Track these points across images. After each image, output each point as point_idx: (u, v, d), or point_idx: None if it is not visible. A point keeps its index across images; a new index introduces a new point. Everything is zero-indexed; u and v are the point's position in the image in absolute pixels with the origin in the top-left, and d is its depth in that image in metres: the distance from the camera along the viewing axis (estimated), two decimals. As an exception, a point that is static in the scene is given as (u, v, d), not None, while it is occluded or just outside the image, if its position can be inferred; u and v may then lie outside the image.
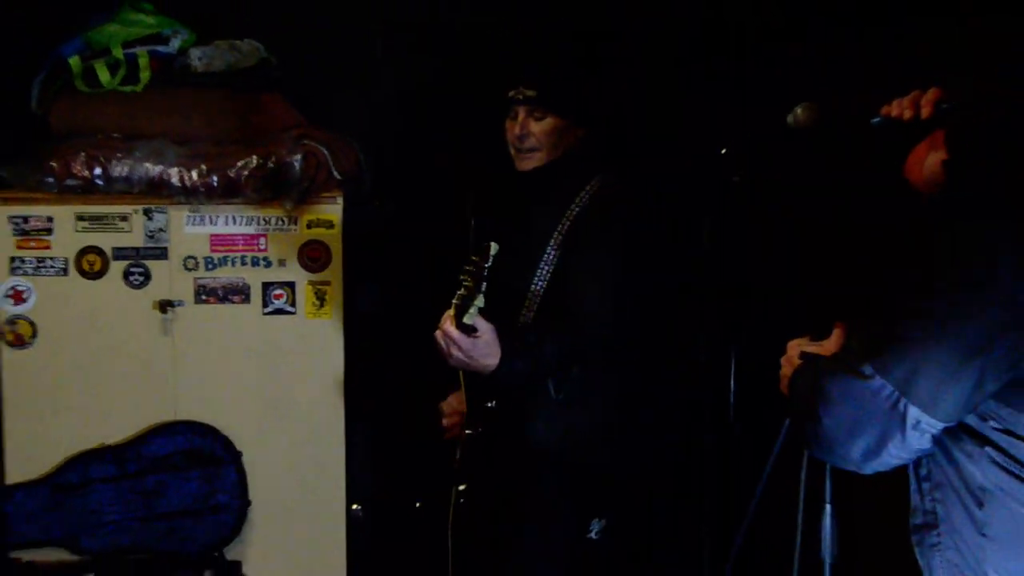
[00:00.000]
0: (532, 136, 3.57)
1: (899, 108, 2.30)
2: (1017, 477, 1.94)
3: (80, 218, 4.51)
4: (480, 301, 3.14)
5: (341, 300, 4.61)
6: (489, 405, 3.60)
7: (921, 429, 1.92)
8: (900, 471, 2.15)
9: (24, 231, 4.50)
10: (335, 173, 4.53)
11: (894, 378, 1.89)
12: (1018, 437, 1.92)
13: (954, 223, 1.92)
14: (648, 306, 3.55)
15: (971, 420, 1.95)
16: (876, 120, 2.37)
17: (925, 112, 2.24)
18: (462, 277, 3.18)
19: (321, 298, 4.60)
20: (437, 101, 4.99)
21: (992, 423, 1.94)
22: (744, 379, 3.11)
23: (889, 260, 3.04)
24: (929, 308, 1.88)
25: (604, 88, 3.70)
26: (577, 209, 3.52)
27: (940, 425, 1.93)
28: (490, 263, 3.15)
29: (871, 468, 2.02)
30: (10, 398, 4.54)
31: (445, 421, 3.83)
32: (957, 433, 1.98)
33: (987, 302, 1.83)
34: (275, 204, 4.53)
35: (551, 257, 3.52)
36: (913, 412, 1.90)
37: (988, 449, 1.96)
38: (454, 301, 3.15)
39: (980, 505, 1.99)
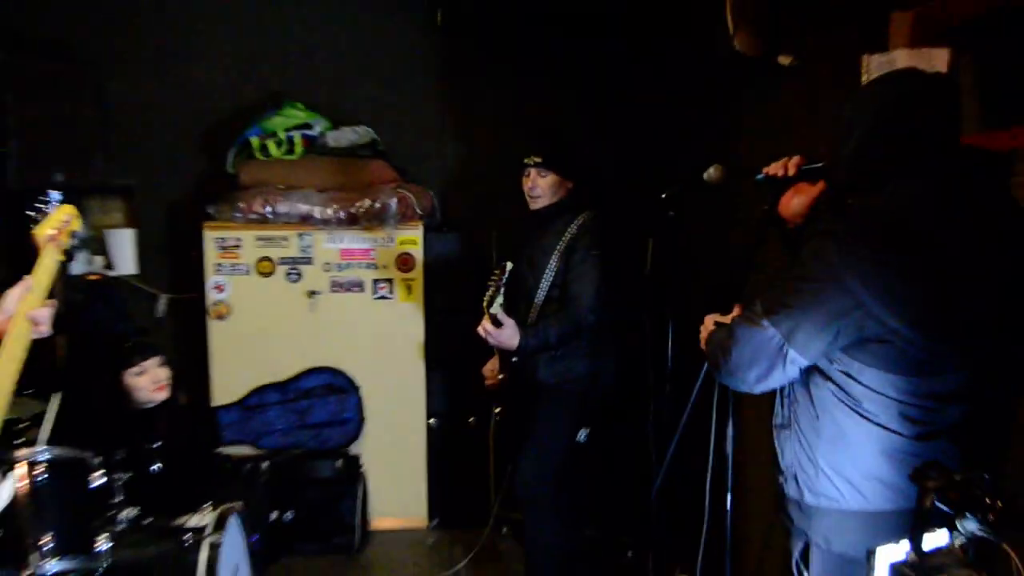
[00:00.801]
0: (539, 187, 3.56)
1: (775, 168, 2.28)
2: (842, 402, 1.94)
3: (258, 238, 4.55)
4: (501, 299, 3.20)
5: (422, 291, 4.64)
6: (513, 360, 3.63)
7: (796, 364, 1.91)
8: (770, 397, 2.16)
9: (223, 247, 4.54)
10: (418, 211, 4.56)
11: (782, 330, 1.88)
12: (849, 376, 1.92)
13: (819, 242, 1.90)
14: (616, 294, 3.56)
15: (822, 362, 1.94)
16: (760, 176, 2.33)
17: (792, 171, 2.24)
18: (488, 282, 3.24)
19: (409, 289, 4.63)
20: (481, 166, 5.01)
21: (836, 365, 1.93)
22: (677, 339, 3.12)
23: (767, 263, 3.06)
24: (808, 288, 1.86)
25: (586, 156, 3.71)
26: (570, 235, 3.52)
27: (807, 363, 1.92)
28: (507, 274, 3.21)
29: (760, 389, 2.00)
30: (214, 352, 4.59)
31: (487, 381, 3.85)
32: (811, 368, 1.97)
33: (840, 290, 1.82)
34: (379, 230, 4.56)
35: (554, 265, 3.52)
36: (792, 353, 1.89)
37: (829, 383, 1.96)
38: (484, 297, 3.22)
39: (817, 418, 1.99)
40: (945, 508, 1.56)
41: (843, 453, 1.96)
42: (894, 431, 1.91)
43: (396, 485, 4.71)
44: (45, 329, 2.29)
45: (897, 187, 1.89)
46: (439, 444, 4.73)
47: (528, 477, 3.52)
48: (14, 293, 2.29)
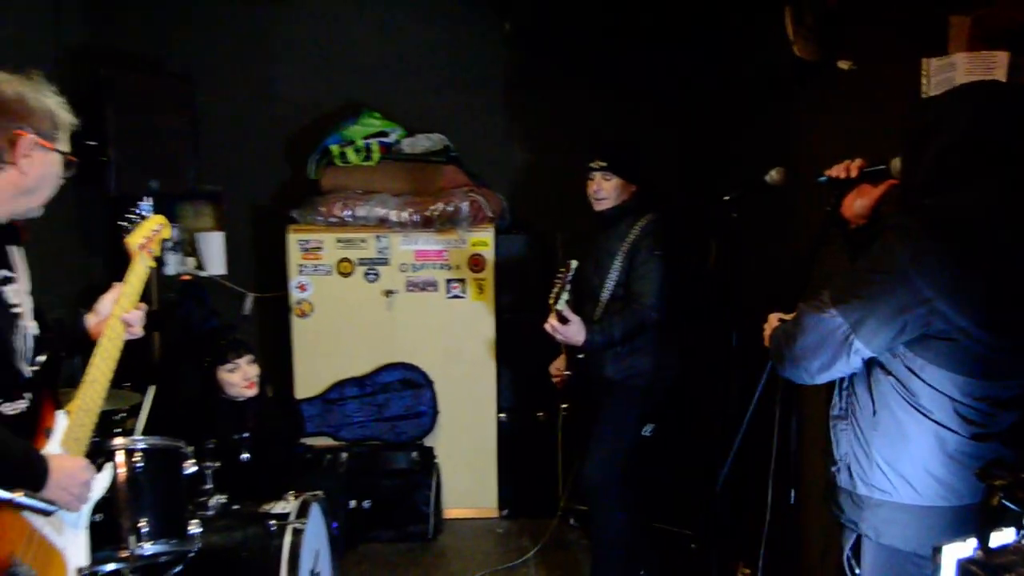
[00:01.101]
0: (603, 190, 3.53)
1: (837, 171, 2.21)
2: (901, 397, 1.90)
3: (338, 240, 4.60)
4: (566, 295, 3.17)
5: (493, 290, 4.63)
6: (580, 356, 3.60)
7: (860, 355, 1.88)
8: (831, 392, 2.11)
9: (306, 248, 4.59)
10: (488, 213, 4.57)
11: (850, 319, 1.85)
12: (911, 372, 1.87)
13: (892, 235, 1.87)
14: (679, 293, 3.52)
15: (885, 356, 1.90)
16: (822, 179, 2.26)
17: (854, 173, 2.18)
18: (554, 280, 3.23)
19: (480, 288, 4.63)
20: (549, 169, 5.00)
21: (898, 360, 1.89)
22: (740, 337, 3.07)
23: (826, 263, 3.00)
24: (877, 280, 1.83)
25: (648, 160, 3.67)
26: (634, 236, 3.49)
27: (870, 354, 1.89)
28: (572, 272, 3.18)
29: (822, 379, 1.97)
30: (297, 348, 4.64)
31: (554, 379, 3.84)
32: (872, 361, 1.93)
33: (908, 285, 1.79)
34: (452, 232, 4.57)
35: (618, 265, 3.49)
36: (857, 343, 1.86)
37: (890, 377, 1.91)
38: (551, 294, 3.20)
39: (875, 411, 1.95)
40: (1012, 506, 1.51)
41: (898, 447, 1.93)
42: (950, 429, 1.87)
43: (468, 476, 4.72)
44: (138, 331, 2.34)
45: (971, 189, 1.86)
46: (509, 437, 4.72)
47: (594, 470, 3.49)
48: (108, 297, 2.35)
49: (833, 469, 2.06)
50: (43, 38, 4.25)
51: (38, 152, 1.97)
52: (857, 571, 2.01)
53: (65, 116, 2.06)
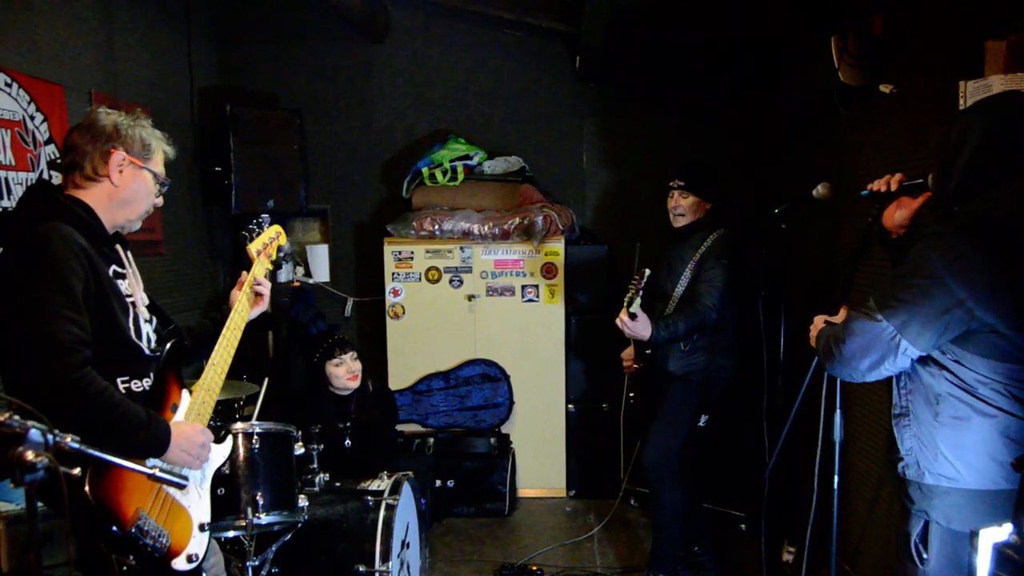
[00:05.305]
0: (681, 206, 3.54)
1: (878, 184, 2.17)
2: (959, 387, 1.84)
3: (427, 251, 4.62)
4: (639, 300, 3.13)
5: (563, 294, 4.60)
6: (647, 352, 3.57)
7: (907, 355, 1.83)
8: (878, 388, 2.03)
9: (399, 258, 4.63)
10: (560, 226, 4.54)
11: (895, 322, 1.81)
12: (962, 364, 1.83)
13: (928, 242, 1.82)
14: (735, 296, 3.45)
15: (935, 353, 1.85)
16: (865, 192, 2.22)
17: (894, 187, 2.14)
18: (629, 285, 3.18)
19: (552, 293, 4.60)
20: (615, 187, 4.96)
21: (948, 355, 1.84)
22: (788, 337, 2.99)
23: (867, 270, 2.89)
24: (919, 284, 1.78)
25: (719, 182, 3.61)
26: (705, 247, 3.45)
27: (918, 353, 1.84)
28: (645, 280, 3.14)
29: (871, 377, 1.91)
30: (391, 346, 4.68)
31: (624, 363, 3.79)
32: (926, 360, 1.88)
33: (946, 287, 1.74)
34: (528, 243, 4.55)
35: (688, 273, 3.47)
36: (904, 344, 1.81)
37: (944, 371, 1.86)
38: (624, 298, 3.16)
39: (936, 404, 1.89)
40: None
41: (961, 435, 1.86)
42: (1010, 413, 1.81)
43: (540, 460, 4.70)
44: (266, 301, 2.41)
45: (998, 192, 1.79)
46: (576, 426, 4.69)
47: (654, 453, 3.45)
48: (235, 292, 2.41)
49: (900, 465, 1.99)
50: (180, 80, 4.40)
51: (129, 168, 2.03)
52: (925, 556, 1.93)
53: (157, 144, 2.11)
